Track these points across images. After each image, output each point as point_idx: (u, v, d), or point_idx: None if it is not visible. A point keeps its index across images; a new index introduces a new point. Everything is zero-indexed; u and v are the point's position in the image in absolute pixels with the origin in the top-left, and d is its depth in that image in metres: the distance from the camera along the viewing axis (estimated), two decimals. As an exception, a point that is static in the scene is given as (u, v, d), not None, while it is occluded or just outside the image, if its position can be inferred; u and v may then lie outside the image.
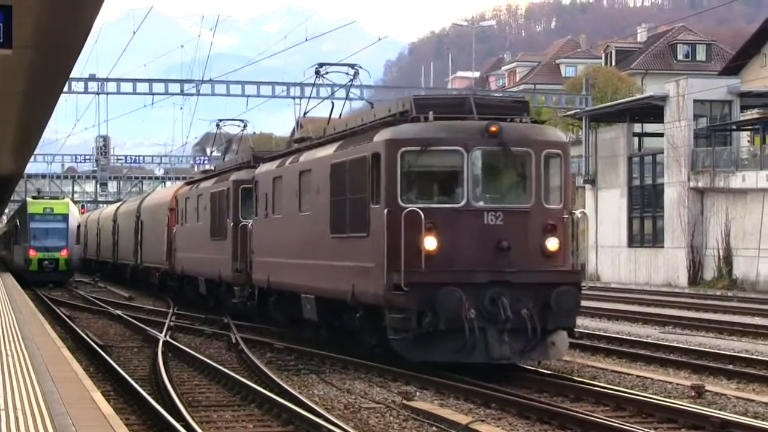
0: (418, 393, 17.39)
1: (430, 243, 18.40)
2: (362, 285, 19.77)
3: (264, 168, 27.89)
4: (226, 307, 32.02)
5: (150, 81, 67.10)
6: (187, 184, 42.32)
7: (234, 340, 24.92)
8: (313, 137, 25.43)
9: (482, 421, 14.66)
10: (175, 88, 66.88)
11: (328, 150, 22.39)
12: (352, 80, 27.26)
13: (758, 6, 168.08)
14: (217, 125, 39.75)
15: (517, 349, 18.15)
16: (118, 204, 63.85)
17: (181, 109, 72.97)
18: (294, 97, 70.21)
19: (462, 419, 14.66)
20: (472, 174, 18.75)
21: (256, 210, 28.11)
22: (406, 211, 18.30)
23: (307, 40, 54.31)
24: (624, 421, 14.49)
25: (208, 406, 16.44)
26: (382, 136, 19.38)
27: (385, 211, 18.65)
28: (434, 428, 14.54)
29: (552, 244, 18.90)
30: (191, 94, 66.13)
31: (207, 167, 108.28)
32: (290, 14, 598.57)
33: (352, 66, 27.12)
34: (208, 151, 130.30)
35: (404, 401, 16.49)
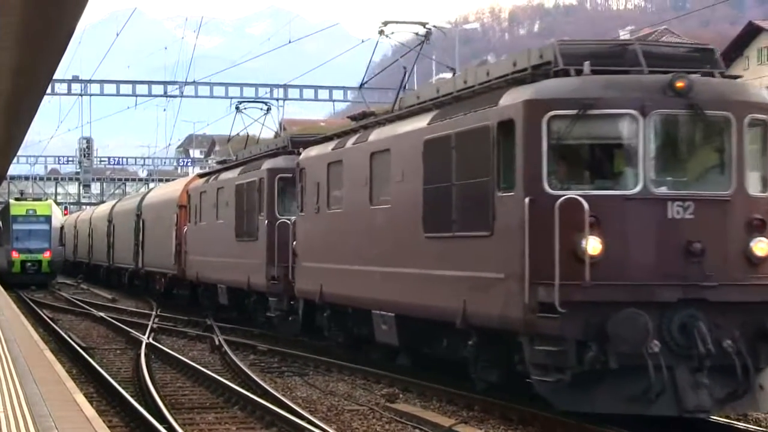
0: (401, 395, 17.40)
1: (593, 245, 13.49)
2: (481, 303, 15.03)
3: (313, 152, 22.89)
4: (257, 321, 28.06)
5: (133, 83, 67.11)
6: (201, 176, 37.08)
7: (217, 342, 24.90)
8: (378, 114, 21.04)
9: (465, 423, 14.69)
10: (158, 89, 66.91)
11: (418, 122, 17.56)
12: (423, 42, 21.93)
13: (741, 8, 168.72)
14: (237, 108, 34.53)
15: (718, 397, 13.43)
16: (113, 202, 60.39)
17: (164, 110, 73.05)
18: (278, 99, 70.24)
19: (445, 421, 14.69)
20: (651, 148, 13.79)
21: (302, 204, 23.25)
22: (561, 200, 13.42)
23: (290, 42, 54.30)
24: (608, 425, 14.51)
25: (191, 408, 16.44)
26: (518, 96, 14.47)
27: (526, 200, 13.76)
28: (417, 430, 14.56)
29: (761, 246, 13.93)
30: (174, 96, 66.18)
31: (190, 169, 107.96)
32: (274, 16, 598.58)
33: (423, 24, 22.11)
34: (191, 153, 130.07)
35: (387, 403, 16.51)
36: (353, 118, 22.31)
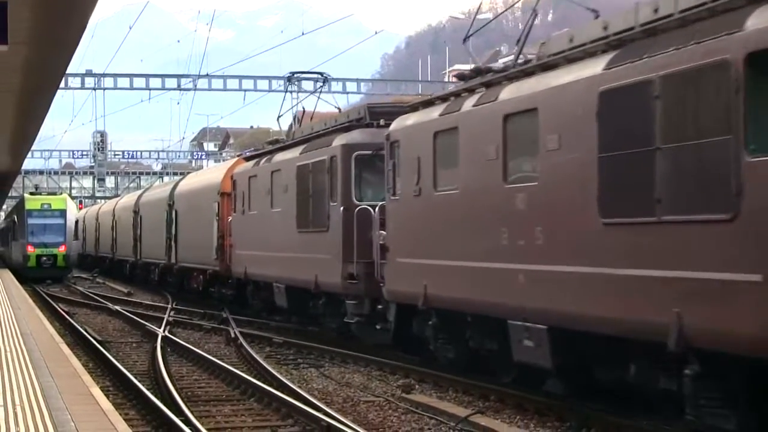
0: (416, 386, 17.40)
1: None
2: (712, 316, 10.64)
3: (410, 120, 18.45)
4: (325, 326, 24.05)
5: (146, 76, 67.17)
6: (248, 159, 32.41)
7: (233, 335, 24.93)
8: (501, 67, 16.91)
9: (481, 413, 14.67)
10: (171, 83, 66.93)
11: (584, 70, 13.27)
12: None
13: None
14: (288, 80, 30.65)
15: None
16: (138, 192, 56.86)
17: (178, 104, 73.04)
18: (292, 92, 70.26)
19: (461, 412, 14.67)
20: None
21: (394, 186, 18.76)
22: None
23: (303, 34, 54.28)
24: (625, 415, 14.49)
25: (207, 400, 16.46)
26: None
27: None
28: (433, 421, 14.54)
29: None
30: (188, 89, 66.18)
31: (204, 162, 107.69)
32: (286, 9, 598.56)
33: None
34: (205, 146, 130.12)
35: (403, 394, 16.51)
36: (461, 77, 17.81)
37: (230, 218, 31.63)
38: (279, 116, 31.48)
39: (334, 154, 22.11)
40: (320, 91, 29.13)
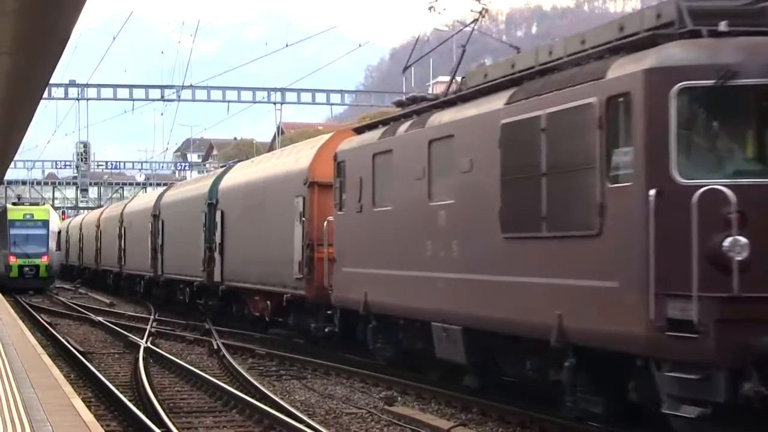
0: (399, 398, 17.39)
1: None
2: None
3: None
4: (575, 408, 13.35)
5: (130, 87, 67.23)
6: (359, 130, 21.20)
7: (215, 346, 24.88)
8: None
9: (463, 425, 14.67)
10: (155, 93, 66.99)
11: None
12: None
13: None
14: (430, 8, 21.11)
15: None
16: (158, 192, 45.56)
17: (161, 115, 73.05)
18: (275, 103, 70.40)
19: (443, 424, 14.67)
20: None
21: None
22: None
23: (287, 45, 54.35)
24: (608, 427, 14.51)
25: (190, 412, 16.42)
26: None
27: None
28: (415, 433, 14.55)
29: None
30: (171, 100, 66.25)
31: (188, 173, 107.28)
32: (271, 20, 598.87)
33: None
34: (189, 157, 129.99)
35: (386, 406, 16.50)
36: None
37: (330, 219, 21.46)
38: (406, 67, 22.38)
39: (625, 91, 11.75)
40: (476, 23, 20.24)
